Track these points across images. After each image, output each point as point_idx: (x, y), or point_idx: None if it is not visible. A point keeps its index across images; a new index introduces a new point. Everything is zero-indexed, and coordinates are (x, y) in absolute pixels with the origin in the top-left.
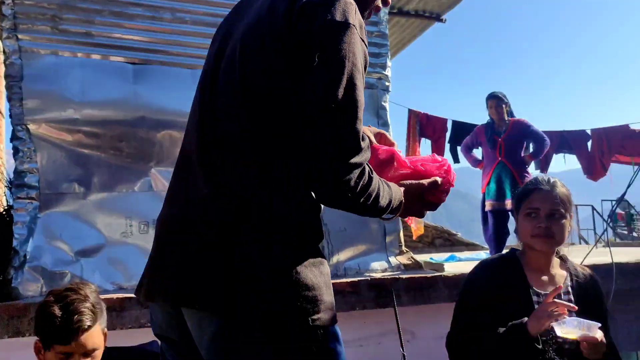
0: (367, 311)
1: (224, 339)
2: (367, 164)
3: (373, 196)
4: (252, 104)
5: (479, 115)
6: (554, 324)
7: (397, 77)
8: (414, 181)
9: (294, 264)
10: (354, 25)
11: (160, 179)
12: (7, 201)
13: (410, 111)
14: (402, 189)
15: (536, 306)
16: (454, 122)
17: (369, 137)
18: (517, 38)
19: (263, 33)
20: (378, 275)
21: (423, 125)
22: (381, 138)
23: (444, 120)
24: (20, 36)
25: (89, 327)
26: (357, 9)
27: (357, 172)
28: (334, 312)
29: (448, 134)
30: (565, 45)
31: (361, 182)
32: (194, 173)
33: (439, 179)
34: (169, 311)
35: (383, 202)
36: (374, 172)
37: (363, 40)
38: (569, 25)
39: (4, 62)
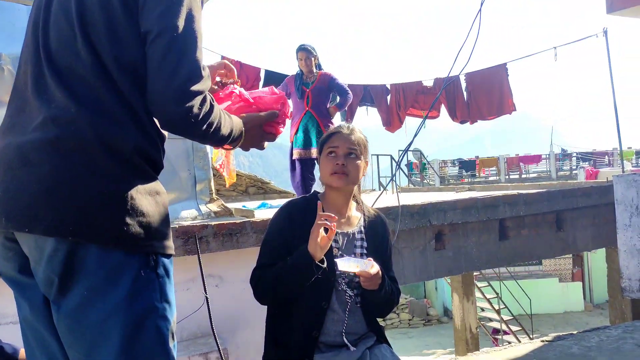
0: (176, 258)
1: (67, 264)
2: (208, 93)
3: (215, 124)
4: (89, 32)
5: (290, 67)
6: (337, 260)
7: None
8: (253, 113)
9: (131, 190)
10: None
11: None
12: None
13: (223, 58)
14: (242, 120)
15: (333, 244)
16: (267, 72)
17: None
18: None
19: None
20: (187, 223)
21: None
22: (225, 69)
23: (257, 70)
24: None
25: None
26: None
27: (199, 99)
28: (169, 244)
29: (261, 84)
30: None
31: (203, 109)
32: (30, 103)
33: (276, 112)
34: (6, 245)
35: (225, 130)
36: (215, 101)
37: None
38: None
39: None
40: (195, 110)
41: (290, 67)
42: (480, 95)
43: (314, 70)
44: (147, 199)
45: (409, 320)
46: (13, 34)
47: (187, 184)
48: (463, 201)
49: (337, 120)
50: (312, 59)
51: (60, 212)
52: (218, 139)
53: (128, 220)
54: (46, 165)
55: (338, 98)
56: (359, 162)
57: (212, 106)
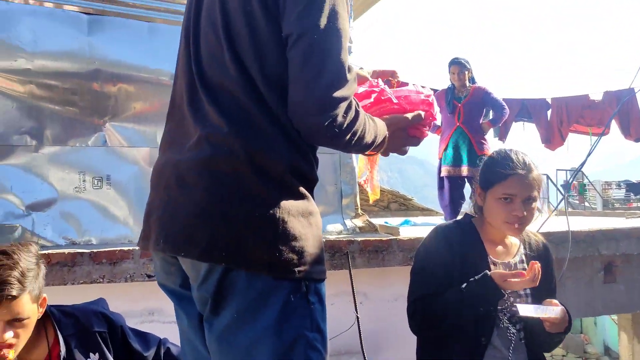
0: None
1: (219, 286)
2: (353, 97)
3: (359, 132)
4: (235, 45)
5: (440, 82)
6: (519, 305)
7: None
8: (398, 115)
9: (282, 213)
10: None
11: (115, 133)
12: None
13: (373, 72)
14: (386, 123)
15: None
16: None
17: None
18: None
19: None
20: (333, 237)
21: None
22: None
23: (404, 84)
24: None
25: (14, 297)
26: None
27: (343, 105)
28: (322, 269)
29: None
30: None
31: (348, 117)
32: (186, 119)
33: (422, 113)
34: (166, 258)
35: (369, 138)
36: (360, 106)
37: None
38: None
39: None
40: (340, 119)
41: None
42: None
43: (467, 84)
44: (300, 221)
45: (563, 356)
46: None
47: (334, 198)
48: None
49: (489, 136)
50: (466, 72)
51: (213, 237)
52: (361, 148)
53: (280, 246)
54: (200, 187)
55: (492, 113)
56: (534, 204)
57: (357, 112)
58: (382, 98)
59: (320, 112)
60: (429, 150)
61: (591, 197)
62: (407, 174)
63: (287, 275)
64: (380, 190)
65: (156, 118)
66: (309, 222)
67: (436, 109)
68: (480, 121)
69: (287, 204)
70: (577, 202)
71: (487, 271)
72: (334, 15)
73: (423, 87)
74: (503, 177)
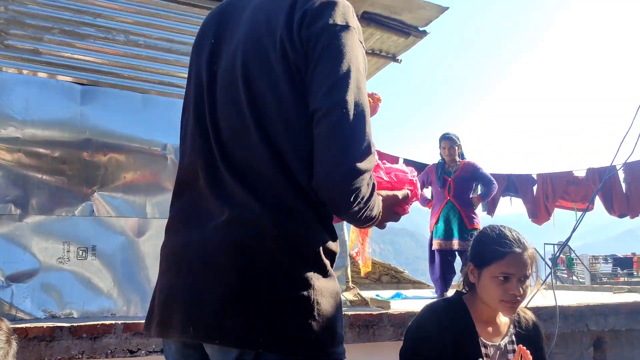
0: None
1: None
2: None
3: (371, 205)
4: (263, 123)
5: (430, 157)
6: None
7: None
8: (390, 192)
9: (317, 294)
10: (354, 28)
11: (103, 203)
12: None
13: None
14: (380, 198)
15: (484, 358)
16: (405, 161)
17: None
18: (469, 80)
19: (266, 48)
20: None
21: None
22: None
23: (396, 159)
24: None
25: None
26: (354, 12)
27: (367, 177)
28: (344, 347)
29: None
30: (515, 95)
31: (369, 189)
32: (205, 198)
33: (409, 192)
34: (187, 343)
35: (375, 212)
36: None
37: (361, 43)
38: (517, 74)
39: None
40: (363, 190)
41: (429, 155)
42: None
43: (457, 159)
44: (330, 301)
45: None
46: (177, 126)
47: None
48: (628, 305)
49: (478, 210)
50: (456, 147)
51: (248, 323)
52: (367, 220)
53: (315, 328)
54: (231, 269)
55: (481, 188)
56: (528, 281)
57: (374, 185)
58: (375, 174)
59: (347, 184)
60: (420, 222)
61: (579, 271)
62: (399, 245)
63: (321, 357)
64: (372, 263)
65: (146, 188)
66: (336, 302)
67: (419, 189)
68: (470, 195)
69: (320, 285)
70: (566, 276)
71: None
72: (359, 90)
73: (409, 167)
74: (500, 255)
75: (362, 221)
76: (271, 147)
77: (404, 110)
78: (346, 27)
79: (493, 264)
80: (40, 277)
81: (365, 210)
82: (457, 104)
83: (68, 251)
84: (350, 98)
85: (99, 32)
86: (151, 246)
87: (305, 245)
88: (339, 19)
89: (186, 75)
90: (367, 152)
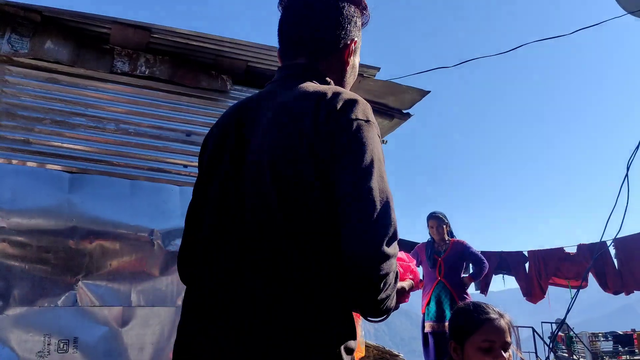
0: None
1: None
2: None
3: (394, 295)
4: (292, 220)
5: (420, 234)
6: None
7: None
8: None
9: None
10: (373, 123)
11: (87, 292)
12: None
13: None
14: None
15: None
16: None
17: None
18: (456, 159)
19: (293, 144)
20: None
21: None
22: None
23: None
24: None
25: None
26: (371, 110)
27: (394, 262)
28: None
29: None
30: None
31: (394, 277)
32: (229, 291)
33: (412, 282)
34: None
35: (394, 302)
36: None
37: (379, 137)
38: (507, 149)
39: None
40: (391, 276)
41: (419, 234)
42: (635, 263)
43: (446, 238)
44: None
45: None
46: (165, 212)
47: None
48: None
49: (471, 289)
50: (444, 226)
51: None
52: (387, 312)
53: None
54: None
55: (472, 267)
56: (509, 352)
57: (397, 274)
58: None
59: (377, 269)
60: (414, 301)
61: (580, 350)
62: (394, 326)
63: None
64: (366, 346)
65: (131, 275)
66: None
67: (420, 276)
68: (462, 275)
69: None
70: (566, 355)
71: None
72: (381, 179)
73: (405, 253)
74: (479, 323)
75: (382, 312)
76: (307, 252)
77: (393, 188)
78: (367, 121)
79: (474, 335)
80: None
81: (389, 299)
82: (443, 182)
83: (49, 344)
84: (375, 185)
85: (89, 122)
86: (135, 336)
87: (324, 342)
88: (360, 114)
89: (174, 161)
90: (394, 237)
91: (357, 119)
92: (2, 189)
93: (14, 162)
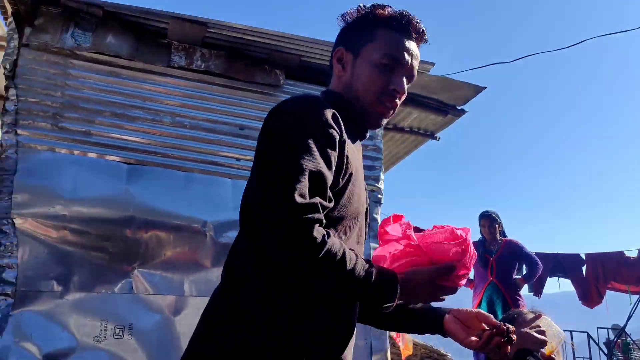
0: None
1: None
2: (320, 231)
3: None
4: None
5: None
6: None
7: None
8: (420, 269)
9: None
10: (287, 111)
11: (143, 281)
12: None
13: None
14: (407, 276)
15: None
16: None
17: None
18: (510, 157)
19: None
20: None
21: None
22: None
23: (442, 227)
24: (19, 131)
25: None
26: (311, 103)
27: (284, 232)
28: None
29: None
30: (558, 169)
31: (298, 248)
32: None
33: (453, 265)
34: None
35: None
36: (335, 243)
37: (321, 122)
38: (562, 148)
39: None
40: (282, 246)
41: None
42: None
43: (498, 237)
44: None
45: None
46: (218, 204)
47: (363, 354)
48: None
49: (524, 290)
50: (496, 225)
51: None
52: (334, 285)
53: None
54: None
55: (525, 268)
56: None
57: (317, 245)
58: (408, 249)
59: (268, 241)
60: (462, 301)
61: (637, 357)
62: None
63: None
64: (413, 344)
65: (184, 266)
66: None
67: (472, 254)
68: (514, 276)
69: None
70: None
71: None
72: (287, 156)
73: (459, 229)
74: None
75: (327, 285)
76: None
77: (443, 187)
78: (277, 113)
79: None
80: (77, 356)
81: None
82: (498, 180)
83: (105, 329)
84: (265, 162)
85: (147, 114)
86: (187, 325)
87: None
88: (277, 112)
89: (227, 154)
90: (283, 204)
91: (267, 121)
92: (64, 178)
93: (76, 152)
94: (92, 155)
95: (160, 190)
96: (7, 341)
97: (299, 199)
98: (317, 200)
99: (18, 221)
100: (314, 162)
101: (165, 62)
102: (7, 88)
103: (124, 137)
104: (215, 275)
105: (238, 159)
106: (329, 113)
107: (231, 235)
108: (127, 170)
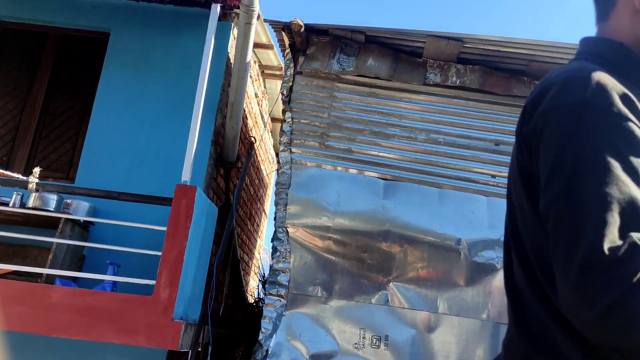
0: None
1: None
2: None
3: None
4: (516, 238)
5: None
6: None
7: None
8: None
9: None
10: (588, 102)
11: (397, 294)
12: (258, 294)
13: None
14: None
15: None
16: None
17: None
18: None
19: (513, 163)
20: None
21: None
22: None
23: None
24: (293, 150)
25: None
26: (605, 80)
27: (606, 298)
28: None
29: None
30: None
31: (619, 315)
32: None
33: None
34: None
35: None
36: None
37: (620, 115)
38: None
39: (277, 171)
40: (608, 316)
41: None
42: None
43: None
44: None
45: None
46: (473, 222)
47: None
48: None
49: None
50: None
51: None
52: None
53: None
54: None
55: None
56: None
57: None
58: None
59: (569, 299)
60: None
61: None
62: None
63: None
64: None
65: (438, 282)
66: None
67: None
68: None
69: None
70: None
71: None
72: (578, 177)
73: None
74: None
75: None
76: (524, 267)
77: None
78: (567, 104)
79: None
80: (337, 359)
81: (615, 324)
82: None
83: (363, 337)
84: (561, 188)
85: (403, 132)
86: (440, 343)
87: None
88: (558, 99)
89: (482, 171)
90: (592, 259)
91: (549, 108)
92: (329, 192)
93: (339, 168)
94: (353, 171)
95: (415, 205)
96: (281, 338)
97: (610, 253)
98: (635, 237)
99: (291, 230)
100: (619, 184)
101: (421, 80)
102: (284, 111)
103: (381, 154)
104: (469, 295)
105: (494, 176)
106: (617, 94)
107: (486, 255)
108: (383, 185)
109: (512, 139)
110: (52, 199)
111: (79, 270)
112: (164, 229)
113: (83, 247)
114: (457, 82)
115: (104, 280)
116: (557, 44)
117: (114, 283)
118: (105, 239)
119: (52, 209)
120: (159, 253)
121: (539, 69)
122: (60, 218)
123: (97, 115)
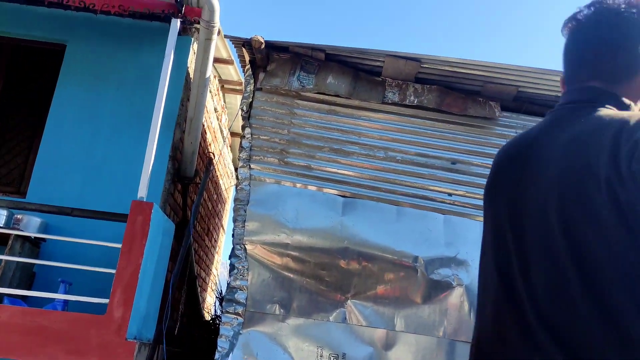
0: None
1: None
2: None
3: None
4: (589, 275)
5: None
6: None
7: None
8: None
9: None
10: None
11: (355, 311)
12: (215, 311)
13: None
14: None
15: None
16: None
17: None
18: None
19: (588, 192)
20: None
21: None
22: None
23: None
24: (252, 166)
25: None
26: None
27: None
28: None
29: None
30: None
31: None
32: (511, 342)
33: None
34: None
35: None
36: None
37: None
38: None
39: (236, 187)
40: None
41: None
42: None
43: None
44: None
45: None
46: (429, 239)
47: None
48: None
49: None
50: None
51: None
52: None
53: None
54: None
55: None
56: None
57: None
58: None
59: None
60: None
61: None
62: None
63: None
64: None
65: (395, 300)
66: None
67: None
68: None
69: None
70: None
71: None
72: None
73: None
74: None
75: None
76: (596, 302)
77: None
78: None
79: None
80: None
81: None
82: None
83: (321, 356)
84: None
85: (361, 150)
86: None
87: None
88: None
89: (439, 189)
90: None
91: None
92: (288, 208)
93: (298, 185)
94: (312, 188)
95: (373, 223)
96: (237, 357)
97: None
98: None
99: (249, 247)
100: None
101: (380, 98)
102: (243, 127)
103: (340, 171)
104: (426, 312)
105: (450, 194)
106: None
107: (442, 272)
108: (342, 202)
109: (468, 158)
110: (2, 215)
111: (29, 289)
112: (119, 246)
113: (33, 264)
114: (415, 102)
115: (54, 299)
116: (511, 67)
117: (65, 302)
118: (57, 256)
119: (2, 225)
120: (113, 271)
121: (494, 90)
122: (9, 234)
123: (51, 128)
